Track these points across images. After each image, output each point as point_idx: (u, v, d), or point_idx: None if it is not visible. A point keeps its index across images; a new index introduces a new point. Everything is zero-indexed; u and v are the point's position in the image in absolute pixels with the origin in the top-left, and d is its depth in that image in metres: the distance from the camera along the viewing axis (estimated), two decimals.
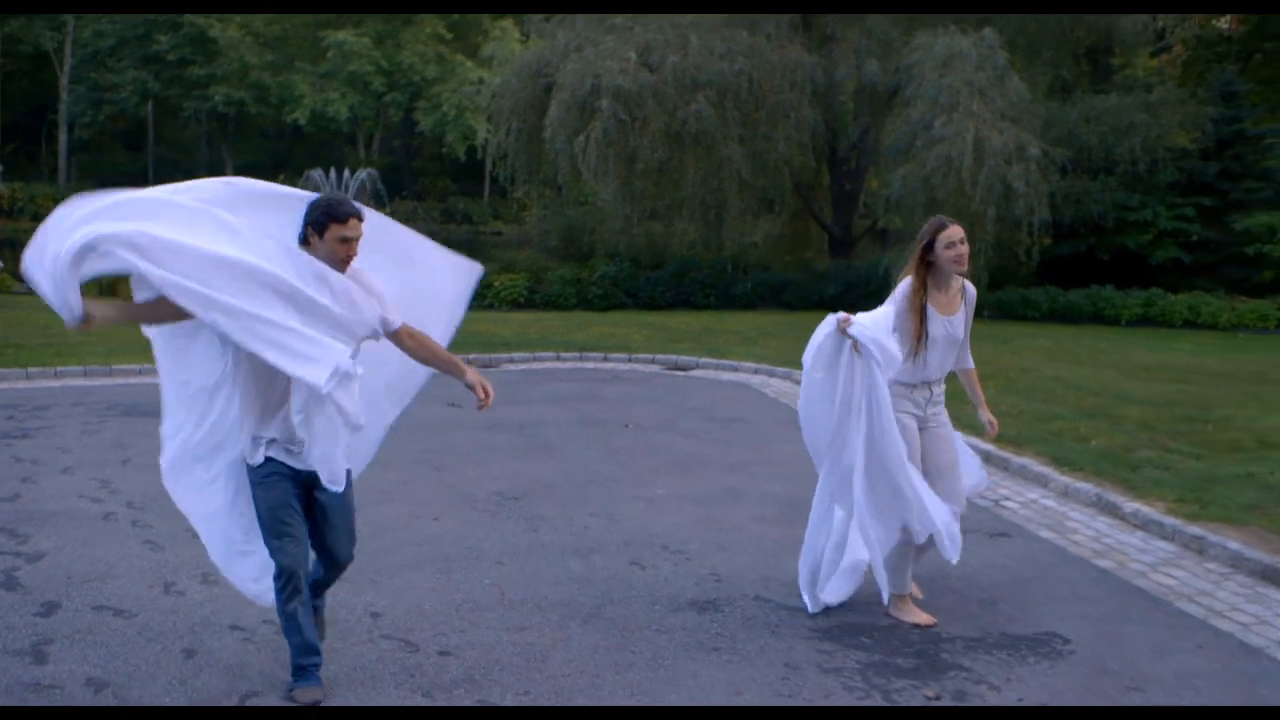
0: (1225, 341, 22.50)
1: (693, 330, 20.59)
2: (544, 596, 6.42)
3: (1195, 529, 7.72)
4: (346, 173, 42.38)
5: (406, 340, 5.06)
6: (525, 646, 5.67)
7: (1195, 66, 36.11)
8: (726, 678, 5.36)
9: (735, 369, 15.96)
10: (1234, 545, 7.34)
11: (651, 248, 27.40)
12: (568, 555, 7.21)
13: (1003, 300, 26.08)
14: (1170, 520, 7.96)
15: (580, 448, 10.53)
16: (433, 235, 5.62)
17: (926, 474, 6.11)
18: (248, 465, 4.97)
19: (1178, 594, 6.77)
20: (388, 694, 5.09)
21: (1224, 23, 36.99)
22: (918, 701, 5.19)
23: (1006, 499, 8.95)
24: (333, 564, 5.25)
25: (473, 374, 4.99)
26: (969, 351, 6.49)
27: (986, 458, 9.54)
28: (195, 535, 5.39)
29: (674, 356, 16.79)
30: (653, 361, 16.67)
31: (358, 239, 4.86)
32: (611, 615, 6.15)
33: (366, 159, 53.87)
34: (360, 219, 4.84)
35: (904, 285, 6.20)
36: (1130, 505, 8.36)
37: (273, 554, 4.94)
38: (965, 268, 6.13)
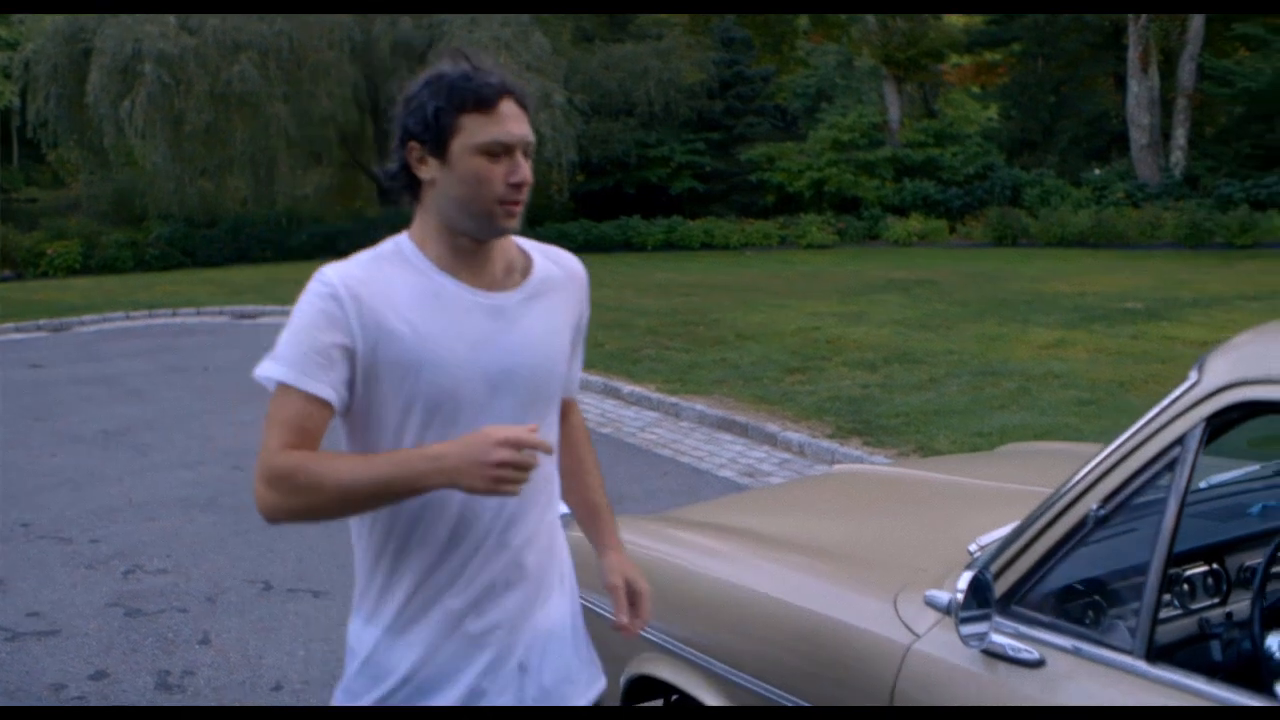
0: (734, 259, 25.91)
1: (255, 283, 21.81)
2: (165, 497, 7.94)
3: (674, 399, 10.11)
4: None
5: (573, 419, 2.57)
6: (159, 529, 7.21)
7: (700, 15, 39.74)
8: (319, 528, 7.08)
9: None
10: (699, 407, 9.76)
11: (205, 206, 28.08)
12: (177, 468, 8.72)
13: (542, 236, 27.95)
14: (656, 395, 10.34)
15: (168, 390, 11.88)
16: None
17: None
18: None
19: (656, 444, 9.09)
20: (55, 572, 6.52)
21: None
22: None
23: None
24: None
25: (626, 564, 2.48)
26: None
27: None
28: None
29: (241, 307, 18.06)
30: (220, 313, 17.88)
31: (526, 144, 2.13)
32: (224, 504, 7.75)
33: None
34: (522, 102, 2.13)
35: None
36: (628, 388, 10.70)
37: None
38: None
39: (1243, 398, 1.92)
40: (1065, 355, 11.61)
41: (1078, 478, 2.13)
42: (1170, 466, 2.00)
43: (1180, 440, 1.99)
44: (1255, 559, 2.61)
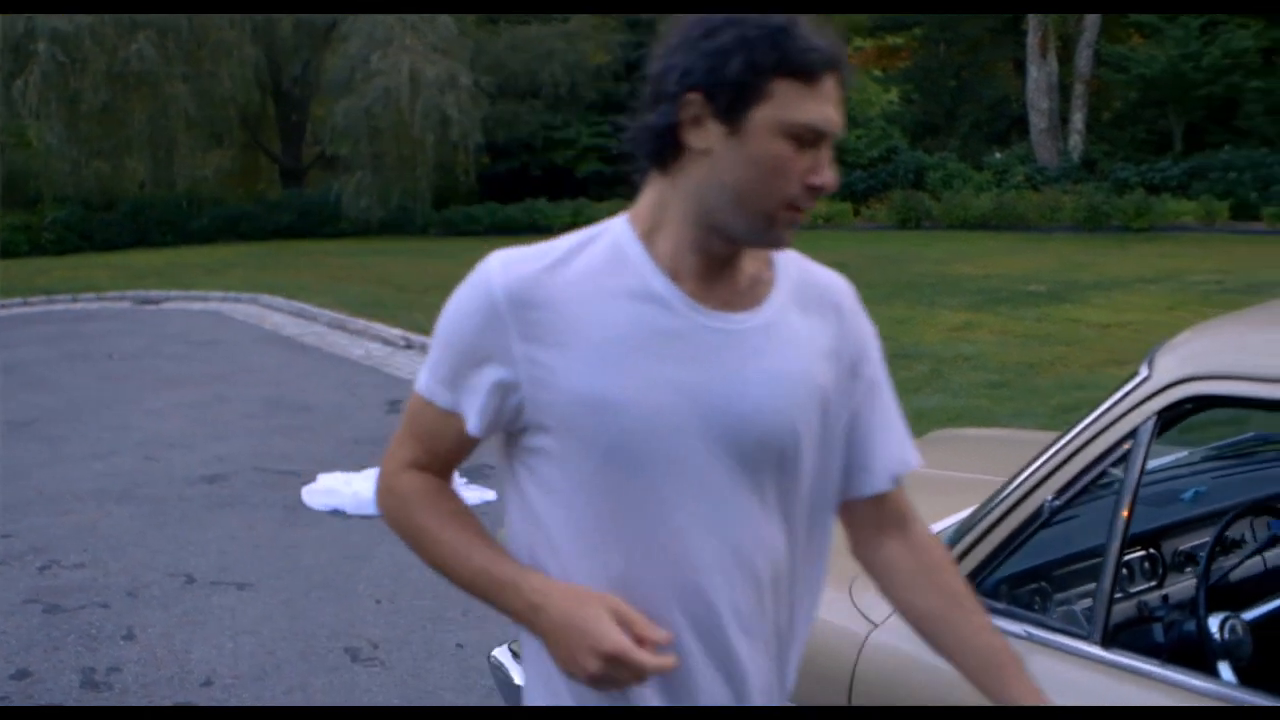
0: None
1: (155, 266, 21.44)
2: (79, 489, 7.79)
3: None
4: None
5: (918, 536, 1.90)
6: (74, 523, 7.07)
7: None
8: (240, 519, 7.04)
9: (204, 299, 17.18)
10: None
11: (102, 189, 27.54)
12: (89, 459, 8.56)
13: (448, 218, 28.44)
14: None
15: (73, 379, 11.65)
16: None
17: None
18: None
19: None
20: None
21: None
22: None
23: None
24: None
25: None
26: None
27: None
28: None
29: (143, 292, 17.75)
30: (122, 298, 17.55)
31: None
32: (140, 494, 7.63)
33: None
34: (845, 83, 1.59)
35: None
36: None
37: None
38: None
39: (1194, 392, 1.99)
40: (973, 337, 11.83)
41: (1033, 469, 2.19)
42: (1124, 458, 2.07)
43: (1133, 433, 2.06)
44: (1188, 543, 2.71)
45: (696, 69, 1.53)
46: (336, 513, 6.98)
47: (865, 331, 1.79)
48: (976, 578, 2.22)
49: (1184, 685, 1.95)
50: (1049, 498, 2.15)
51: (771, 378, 1.61)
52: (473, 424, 1.61)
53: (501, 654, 3.46)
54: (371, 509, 6.95)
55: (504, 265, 1.58)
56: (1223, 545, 2.76)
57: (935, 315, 13.38)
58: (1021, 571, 2.30)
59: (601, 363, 1.54)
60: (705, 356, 1.57)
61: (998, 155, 30.60)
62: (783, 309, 1.67)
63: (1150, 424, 2.04)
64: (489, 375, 1.57)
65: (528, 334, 1.54)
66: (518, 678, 3.34)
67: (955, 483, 3.27)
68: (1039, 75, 29.52)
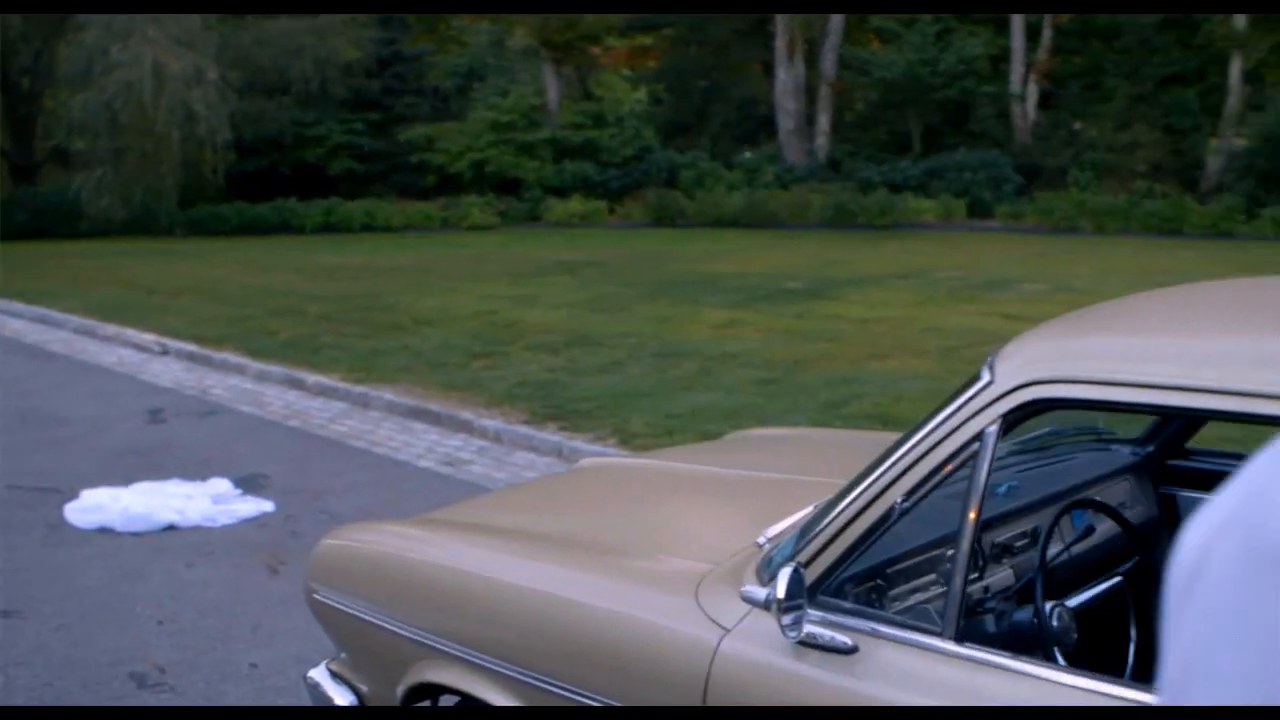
0: (397, 241, 25.61)
1: None
2: None
3: (361, 389, 9.93)
4: None
5: None
6: None
7: None
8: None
9: None
10: (388, 396, 9.63)
11: None
12: None
13: (194, 218, 27.45)
14: (342, 385, 10.13)
15: None
16: None
17: None
18: None
19: (349, 436, 8.91)
20: None
21: None
22: None
23: (213, 387, 10.69)
24: None
25: None
26: None
27: (191, 356, 11.38)
28: None
29: None
30: None
31: None
32: None
33: None
34: None
35: None
36: (312, 378, 10.43)
37: None
38: None
39: (1036, 396, 2.08)
40: (739, 335, 12.08)
41: (880, 471, 2.25)
42: (970, 460, 2.14)
43: (979, 436, 2.13)
44: (1003, 535, 2.83)
45: None
46: (105, 530, 6.64)
47: None
48: (830, 577, 2.27)
49: (1030, 674, 2.03)
50: (899, 500, 2.21)
51: None
52: None
53: (319, 674, 3.36)
54: (142, 525, 6.67)
55: None
56: (1034, 537, 2.90)
57: (699, 313, 13.62)
58: (877, 572, 2.36)
59: None
60: None
61: (748, 155, 31.36)
62: None
63: (995, 427, 2.12)
64: None
65: None
66: (338, 698, 3.25)
67: (774, 483, 3.33)
68: (786, 77, 30.40)
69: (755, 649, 2.31)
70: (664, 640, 2.48)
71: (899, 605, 2.36)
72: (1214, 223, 23.71)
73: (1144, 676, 2.70)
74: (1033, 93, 30.12)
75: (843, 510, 2.27)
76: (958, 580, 2.12)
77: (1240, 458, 3.04)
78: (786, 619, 2.16)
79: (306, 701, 3.50)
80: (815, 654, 2.22)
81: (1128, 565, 2.88)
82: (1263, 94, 29.01)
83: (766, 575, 2.38)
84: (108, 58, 24.37)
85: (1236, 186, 25.16)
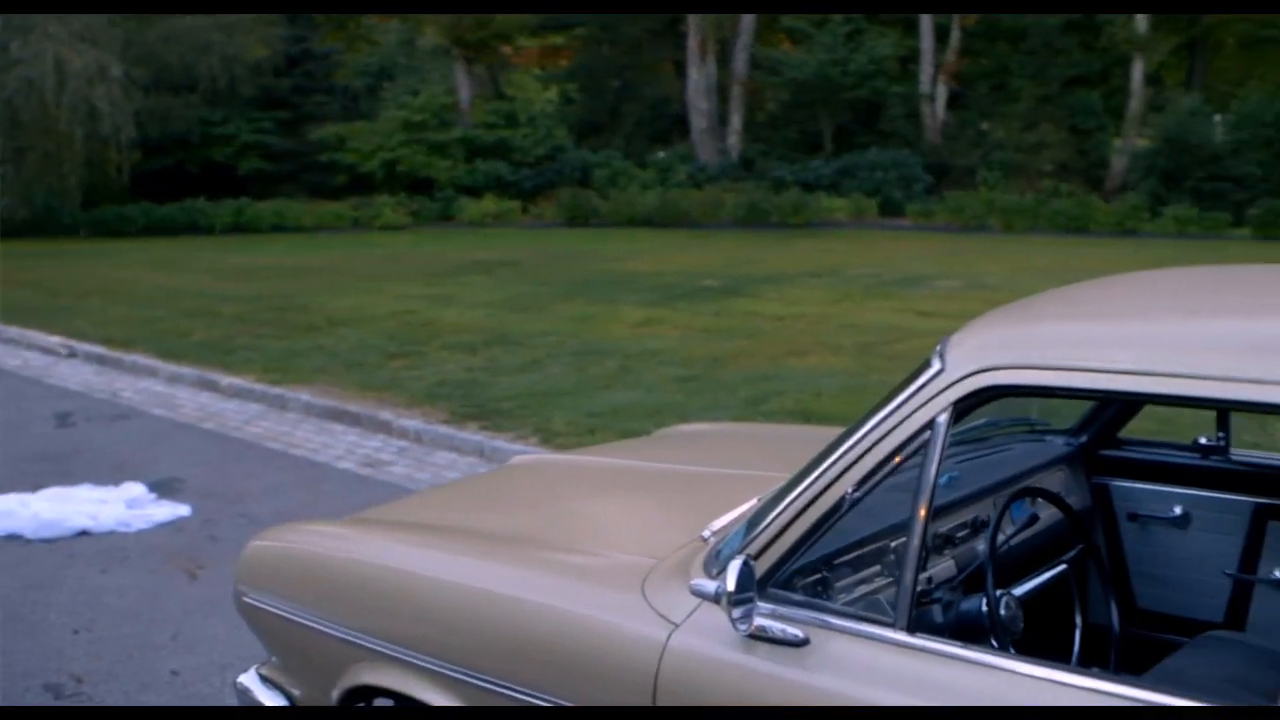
0: (309, 242, 25.29)
1: None
2: None
3: (277, 390, 9.78)
4: None
5: None
6: None
7: None
8: None
9: None
10: (305, 397, 9.48)
11: None
12: None
13: (99, 218, 26.90)
14: (258, 386, 9.97)
15: None
16: None
17: None
18: None
19: (265, 437, 8.76)
20: None
21: None
22: None
23: (123, 390, 10.46)
24: None
25: None
26: None
27: (100, 359, 11.14)
28: None
29: None
30: None
31: None
32: None
33: None
34: None
35: None
36: (226, 380, 10.25)
37: None
38: None
39: (989, 383, 2.07)
40: (658, 333, 12.07)
41: (830, 462, 2.23)
42: (922, 449, 2.13)
43: (930, 424, 2.12)
44: (945, 526, 2.83)
45: None
46: (14, 537, 6.45)
47: None
48: (780, 569, 2.25)
49: (982, 663, 2.02)
50: (850, 490, 2.19)
51: None
52: None
53: (249, 679, 3.28)
54: (54, 531, 6.50)
55: None
56: (975, 527, 2.90)
57: (618, 312, 13.59)
58: (827, 563, 2.34)
59: None
60: None
61: (660, 154, 31.39)
62: None
63: (947, 415, 2.11)
64: None
65: None
66: (269, 703, 3.18)
67: (709, 477, 3.31)
68: (699, 77, 30.49)
69: (705, 643, 2.28)
70: (610, 636, 2.44)
71: (849, 596, 2.34)
72: (1119, 221, 24.18)
73: (1091, 662, 2.73)
74: (941, 93, 30.52)
75: (792, 501, 2.25)
76: (909, 571, 2.11)
77: (1171, 447, 3.07)
78: (737, 612, 2.14)
79: None
80: (766, 647, 2.20)
81: (1071, 554, 2.90)
82: (1163, 95, 29.70)
83: (715, 568, 2.35)
84: (7, 54, 23.79)
85: (1140, 186, 25.69)
